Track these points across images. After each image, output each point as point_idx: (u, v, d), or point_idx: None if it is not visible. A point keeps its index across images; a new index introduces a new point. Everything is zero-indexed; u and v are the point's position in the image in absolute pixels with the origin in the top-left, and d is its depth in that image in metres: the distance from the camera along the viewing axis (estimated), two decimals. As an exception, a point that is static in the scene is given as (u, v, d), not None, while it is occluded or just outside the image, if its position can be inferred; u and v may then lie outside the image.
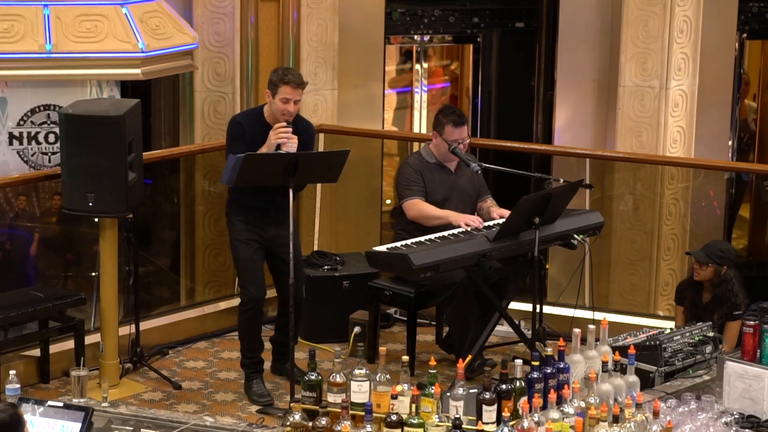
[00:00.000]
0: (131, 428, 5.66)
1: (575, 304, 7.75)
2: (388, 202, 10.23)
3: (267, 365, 7.54)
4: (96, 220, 7.55)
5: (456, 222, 7.42)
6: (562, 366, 5.64)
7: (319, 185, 8.97)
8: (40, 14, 7.99)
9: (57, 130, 7.96)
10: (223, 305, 8.62)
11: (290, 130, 7.04)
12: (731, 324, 7.26)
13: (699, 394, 6.11)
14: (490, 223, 7.47)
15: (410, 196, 7.58)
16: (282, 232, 7.09)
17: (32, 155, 8.15)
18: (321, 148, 8.77)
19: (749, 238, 11.31)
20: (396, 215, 7.74)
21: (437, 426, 5.33)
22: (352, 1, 9.49)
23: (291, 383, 6.96)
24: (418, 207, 7.55)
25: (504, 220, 7.31)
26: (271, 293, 7.58)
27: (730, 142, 10.75)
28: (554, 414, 5.34)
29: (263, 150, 7.03)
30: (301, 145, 7.10)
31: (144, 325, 7.88)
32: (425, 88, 11.33)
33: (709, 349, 6.65)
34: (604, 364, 5.68)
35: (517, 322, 7.72)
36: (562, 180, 7.55)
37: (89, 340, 7.62)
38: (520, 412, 5.28)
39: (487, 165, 7.67)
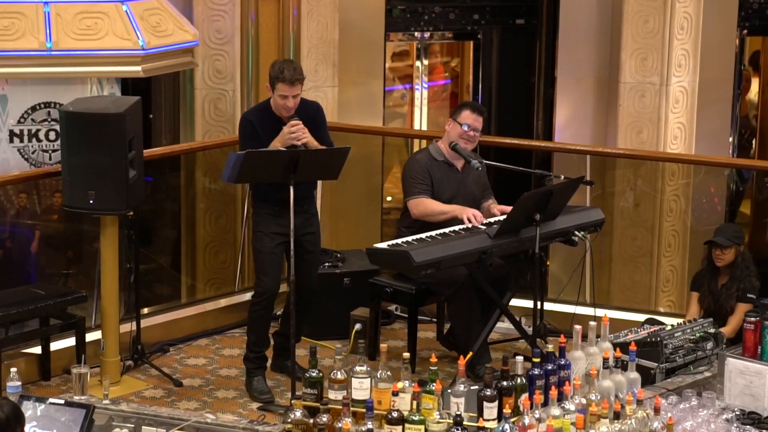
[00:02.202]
0: (132, 425, 5.66)
1: (576, 301, 7.75)
2: (389, 199, 10.22)
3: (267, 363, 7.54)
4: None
5: (460, 215, 7.40)
6: (563, 363, 5.64)
7: (319, 182, 8.96)
8: (40, 11, 7.99)
9: (57, 127, 7.96)
10: (223, 302, 8.62)
11: (300, 125, 7.01)
12: (742, 305, 7.30)
13: (700, 390, 6.12)
14: (491, 220, 7.46)
15: (416, 194, 7.53)
16: (306, 221, 7.21)
17: (33, 153, 8.16)
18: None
19: (750, 234, 11.29)
20: (402, 210, 7.72)
21: (438, 423, 5.33)
22: (352, -1, 9.51)
23: (292, 380, 6.95)
24: (424, 204, 7.50)
25: (505, 217, 7.30)
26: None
27: (730, 139, 10.75)
28: (555, 411, 5.34)
29: (276, 143, 7.00)
30: (317, 128, 7.12)
31: (145, 323, 7.87)
32: (425, 85, 11.33)
33: (710, 345, 6.65)
34: (605, 360, 5.68)
35: (518, 319, 7.72)
36: (562, 177, 7.54)
37: (90, 337, 7.62)
38: (521, 408, 5.28)
39: (488, 162, 7.66)
